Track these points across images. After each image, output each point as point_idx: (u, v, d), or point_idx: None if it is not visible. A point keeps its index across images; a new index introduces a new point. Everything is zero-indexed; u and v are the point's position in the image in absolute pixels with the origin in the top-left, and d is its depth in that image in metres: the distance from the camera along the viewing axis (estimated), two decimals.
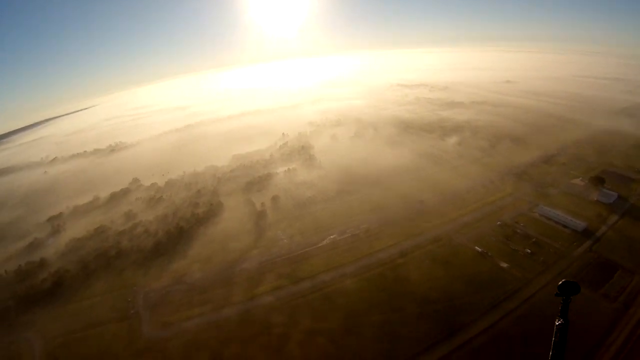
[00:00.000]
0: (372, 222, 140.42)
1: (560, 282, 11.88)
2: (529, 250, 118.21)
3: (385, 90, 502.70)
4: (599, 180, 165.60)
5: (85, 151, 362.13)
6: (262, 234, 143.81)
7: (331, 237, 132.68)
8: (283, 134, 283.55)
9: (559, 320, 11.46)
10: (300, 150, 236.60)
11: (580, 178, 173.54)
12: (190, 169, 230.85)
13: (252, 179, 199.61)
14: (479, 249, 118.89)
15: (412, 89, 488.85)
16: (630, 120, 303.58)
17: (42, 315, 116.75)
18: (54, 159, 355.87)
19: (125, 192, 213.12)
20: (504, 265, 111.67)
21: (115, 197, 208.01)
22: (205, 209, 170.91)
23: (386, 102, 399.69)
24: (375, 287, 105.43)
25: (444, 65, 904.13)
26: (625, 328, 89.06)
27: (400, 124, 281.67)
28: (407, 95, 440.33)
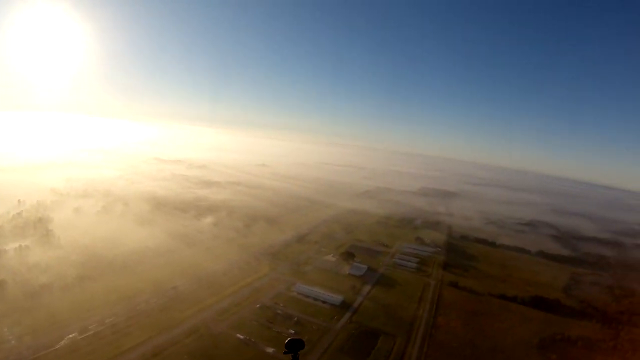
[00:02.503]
0: (119, 314, 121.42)
1: (286, 341, 12.27)
2: (292, 331, 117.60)
3: (141, 163, 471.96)
4: (349, 255, 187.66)
5: None
6: None
7: (70, 335, 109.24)
8: (19, 200, 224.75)
9: None
10: (36, 223, 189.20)
11: (332, 254, 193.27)
12: None
13: None
14: (241, 336, 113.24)
15: (169, 164, 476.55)
16: (371, 201, 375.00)
17: None
18: None
19: None
20: (270, 350, 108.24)
21: None
22: None
23: (141, 176, 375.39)
24: None
25: (206, 143, 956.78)
26: None
27: (153, 200, 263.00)
28: (163, 170, 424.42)
